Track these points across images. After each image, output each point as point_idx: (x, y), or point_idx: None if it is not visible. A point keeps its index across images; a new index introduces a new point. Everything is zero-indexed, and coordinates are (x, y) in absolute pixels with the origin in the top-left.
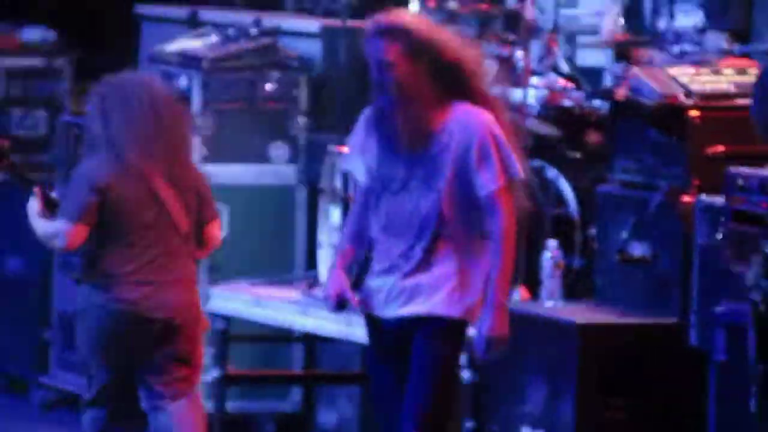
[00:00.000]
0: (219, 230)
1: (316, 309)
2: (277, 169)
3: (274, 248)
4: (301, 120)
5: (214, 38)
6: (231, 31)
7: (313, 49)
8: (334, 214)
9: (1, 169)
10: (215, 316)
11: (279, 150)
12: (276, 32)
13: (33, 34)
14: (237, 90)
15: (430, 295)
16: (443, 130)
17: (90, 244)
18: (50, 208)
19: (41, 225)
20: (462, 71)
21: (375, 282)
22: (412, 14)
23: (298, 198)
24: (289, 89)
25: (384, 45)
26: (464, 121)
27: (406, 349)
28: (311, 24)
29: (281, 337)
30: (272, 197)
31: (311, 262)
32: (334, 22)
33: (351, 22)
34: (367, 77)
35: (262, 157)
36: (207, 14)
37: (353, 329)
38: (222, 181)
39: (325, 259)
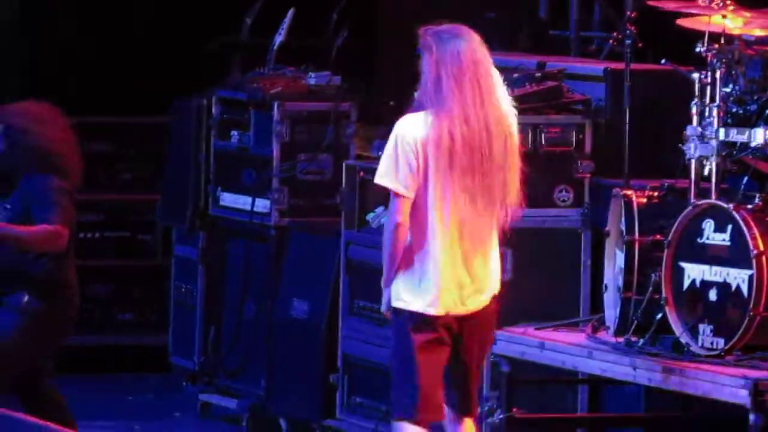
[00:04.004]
0: None
1: (602, 352)
2: (561, 212)
3: (559, 291)
4: (586, 163)
5: None
6: (515, 75)
7: (597, 92)
8: (619, 257)
9: None
10: (501, 358)
11: (564, 193)
12: (560, 75)
13: (319, 79)
14: (521, 133)
15: None
16: None
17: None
18: None
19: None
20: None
21: None
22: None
23: (583, 241)
24: (574, 132)
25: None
26: None
27: None
28: (595, 67)
29: (566, 380)
30: (557, 241)
31: (596, 306)
32: (618, 65)
33: (635, 65)
34: (652, 120)
35: (547, 201)
36: (492, 58)
37: (638, 372)
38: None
39: (610, 302)
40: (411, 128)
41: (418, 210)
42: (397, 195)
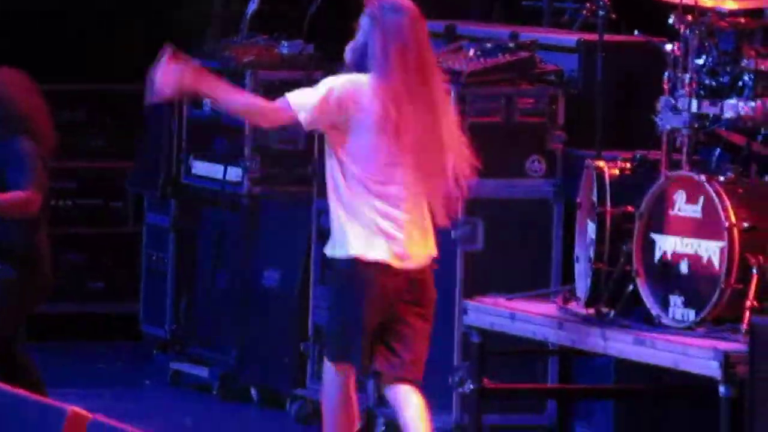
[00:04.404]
0: None
1: (572, 324)
2: (533, 183)
3: (530, 262)
4: (558, 134)
5: (471, 52)
6: (488, 45)
7: (570, 63)
8: (591, 228)
9: None
10: (471, 329)
11: (536, 164)
12: (533, 46)
13: (292, 48)
14: (494, 104)
15: None
16: None
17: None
18: None
19: None
20: None
21: None
22: None
23: (555, 212)
24: (547, 103)
25: None
26: None
27: None
28: (568, 38)
29: (537, 351)
30: (529, 211)
31: (567, 277)
32: (591, 36)
33: (608, 37)
34: (624, 91)
35: (519, 172)
36: (464, 28)
37: (608, 343)
38: (478, 195)
39: (582, 274)
40: (350, 85)
41: (361, 170)
42: (296, 116)
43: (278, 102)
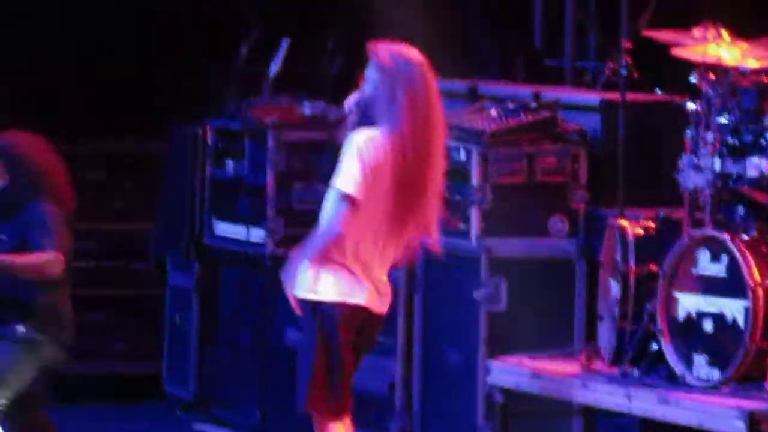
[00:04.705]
0: None
1: (596, 382)
2: (556, 242)
3: (554, 321)
4: (581, 194)
5: (493, 112)
6: (510, 105)
7: (593, 122)
8: (615, 287)
9: None
10: (495, 389)
11: (558, 223)
12: (555, 106)
13: (315, 108)
14: (516, 163)
15: None
16: None
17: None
18: None
19: None
20: None
21: None
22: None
23: (578, 271)
24: (569, 163)
25: None
26: None
27: None
28: (590, 97)
29: (561, 410)
30: (552, 270)
31: (591, 335)
32: (614, 96)
33: (630, 96)
34: (647, 150)
35: (542, 231)
36: (486, 88)
37: (633, 402)
38: (501, 255)
39: (605, 332)
40: (371, 145)
41: (359, 216)
42: (350, 203)
43: (340, 207)
